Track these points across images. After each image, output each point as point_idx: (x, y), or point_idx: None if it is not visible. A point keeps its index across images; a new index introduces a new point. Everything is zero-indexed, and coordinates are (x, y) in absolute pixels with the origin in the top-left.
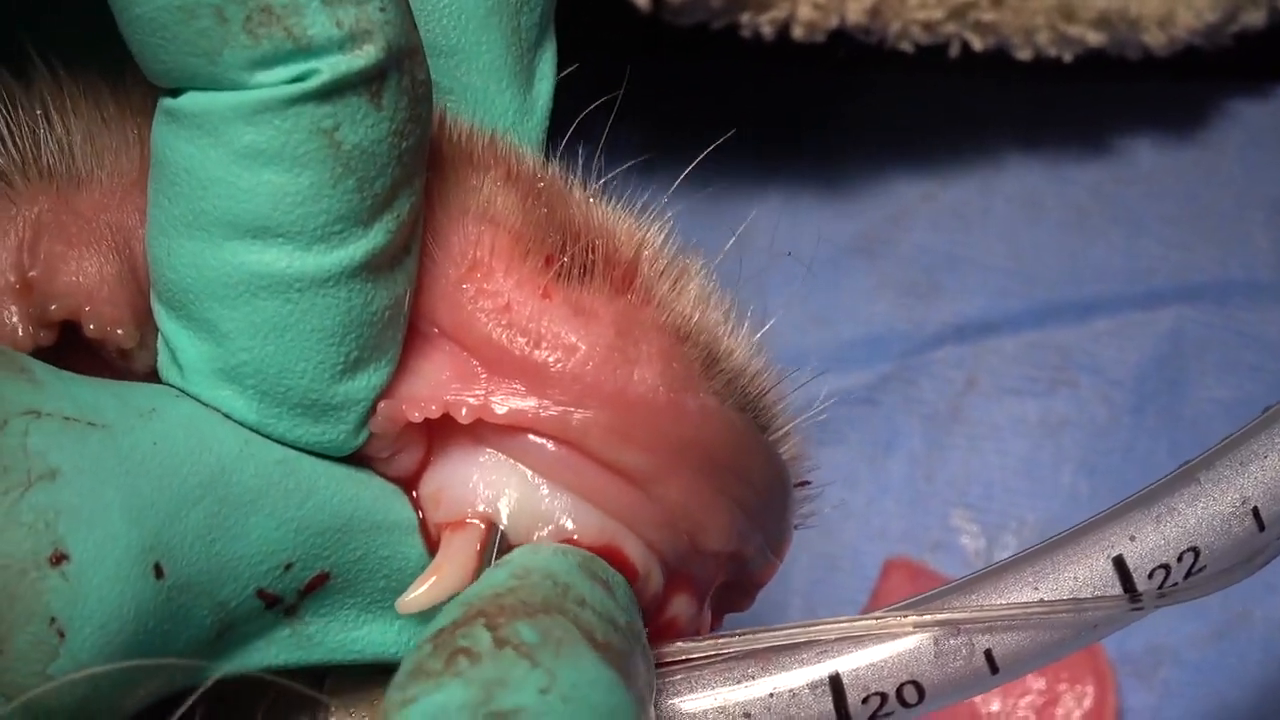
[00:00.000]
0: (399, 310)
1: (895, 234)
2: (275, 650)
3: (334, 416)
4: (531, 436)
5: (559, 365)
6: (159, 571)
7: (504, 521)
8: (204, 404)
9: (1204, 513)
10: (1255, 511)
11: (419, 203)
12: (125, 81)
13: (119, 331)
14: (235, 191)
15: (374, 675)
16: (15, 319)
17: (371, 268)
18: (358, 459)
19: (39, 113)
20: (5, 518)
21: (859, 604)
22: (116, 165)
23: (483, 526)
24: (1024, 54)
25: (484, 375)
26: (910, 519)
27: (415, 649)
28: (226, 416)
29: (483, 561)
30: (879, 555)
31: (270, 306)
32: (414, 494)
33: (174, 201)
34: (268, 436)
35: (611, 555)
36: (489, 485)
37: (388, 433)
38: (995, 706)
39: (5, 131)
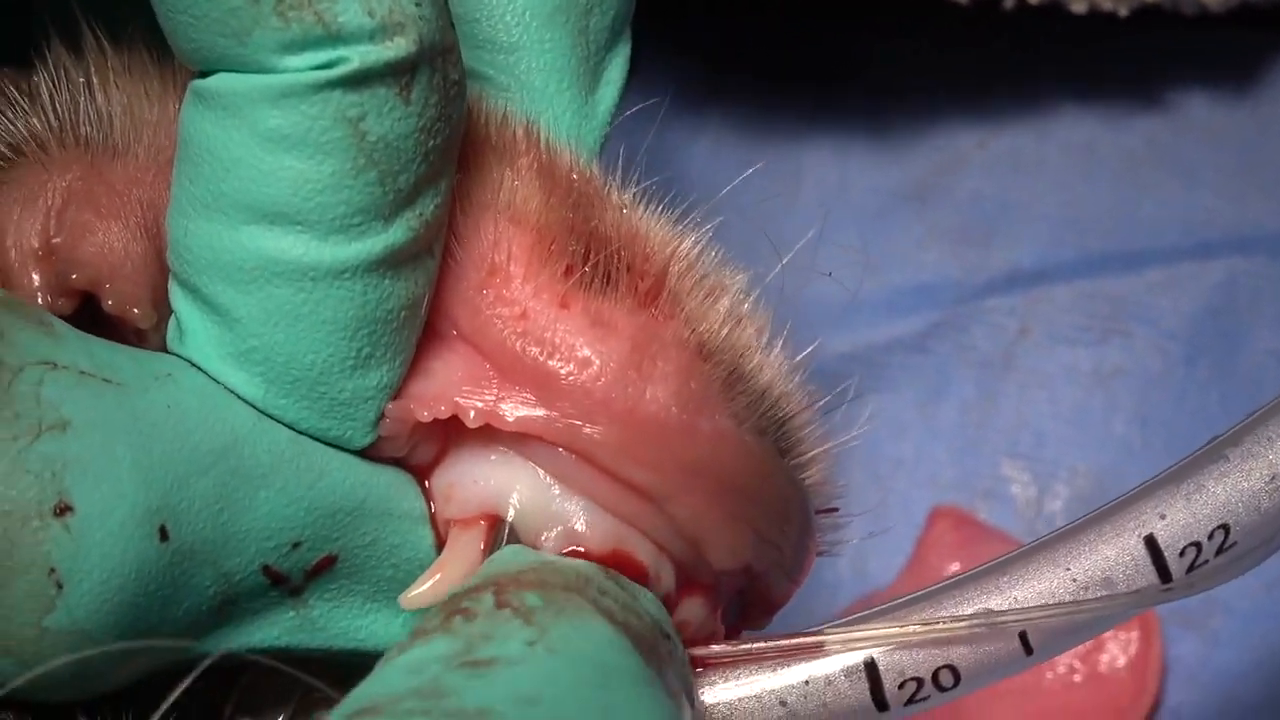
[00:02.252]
0: (416, 311)
1: (948, 182)
2: (277, 631)
3: (341, 413)
4: (542, 442)
5: (571, 378)
6: (164, 534)
7: (512, 519)
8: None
9: (1233, 489)
10: None
11: (444, 204)
12: (172, 58)
13: (136, 310)
14: (256, 175)
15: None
16: (36, 284)
17: (390, 264)
18: (376, 451)
19: (82, 81)
20: (12, 464)
21: (906, 553)
22: (154, 140)
23: (489, 525)
24: (1078, 7)
25: (496, 380)
26: (961, 467)
27: (428, 613)
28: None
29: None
30: (929, 503)
31: (283, 294)
32: (426, 485)
33: (195, 182)
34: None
35: (620, 559)
36: (500, 483)
37: (398, 434)
38: None
39: (47, 98)
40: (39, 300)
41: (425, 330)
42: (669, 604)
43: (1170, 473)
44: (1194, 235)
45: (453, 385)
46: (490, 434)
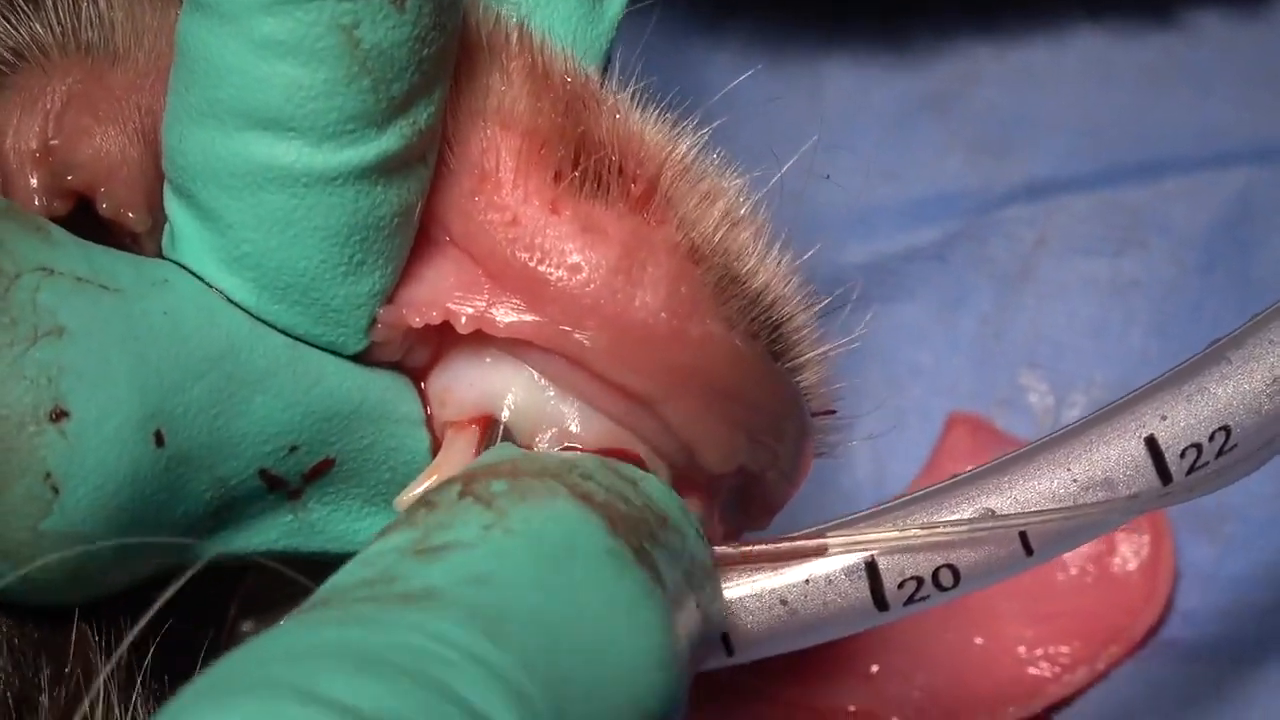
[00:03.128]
0: (408, 219)
1: (965, 92)
2: (275, 534)
3: (334, 319)
4: (535, 346)
5: (560, 283)
6: (159, 439)
7: (505, 420)
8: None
9: (1234, 391)
10: None
11: (438, 112)
12: None
13: (131, 214)
14: (250, 81)
15: None
16: (34, 184)
17: (382, 172)
18: (371, 355)
19: None
20: (8, 370)
21: (922, 460)
22: (155, 46)
23: (483, 427)
24: None
25: (488, 286)
26: (979, 376)
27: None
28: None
29: None
30: (946, 411)
31: (276, 200)
32: (422, 387)
33: (190, 88)
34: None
35: (618, 455)
36: (495, 386)
37: (390, 339)
38: None
39: (50, 4)
40: (35, 202)
41: (419, 236)
42: None
43: (1172, 374)
44: (1210, 146)
45: (444, 291)
46: (483, 338)
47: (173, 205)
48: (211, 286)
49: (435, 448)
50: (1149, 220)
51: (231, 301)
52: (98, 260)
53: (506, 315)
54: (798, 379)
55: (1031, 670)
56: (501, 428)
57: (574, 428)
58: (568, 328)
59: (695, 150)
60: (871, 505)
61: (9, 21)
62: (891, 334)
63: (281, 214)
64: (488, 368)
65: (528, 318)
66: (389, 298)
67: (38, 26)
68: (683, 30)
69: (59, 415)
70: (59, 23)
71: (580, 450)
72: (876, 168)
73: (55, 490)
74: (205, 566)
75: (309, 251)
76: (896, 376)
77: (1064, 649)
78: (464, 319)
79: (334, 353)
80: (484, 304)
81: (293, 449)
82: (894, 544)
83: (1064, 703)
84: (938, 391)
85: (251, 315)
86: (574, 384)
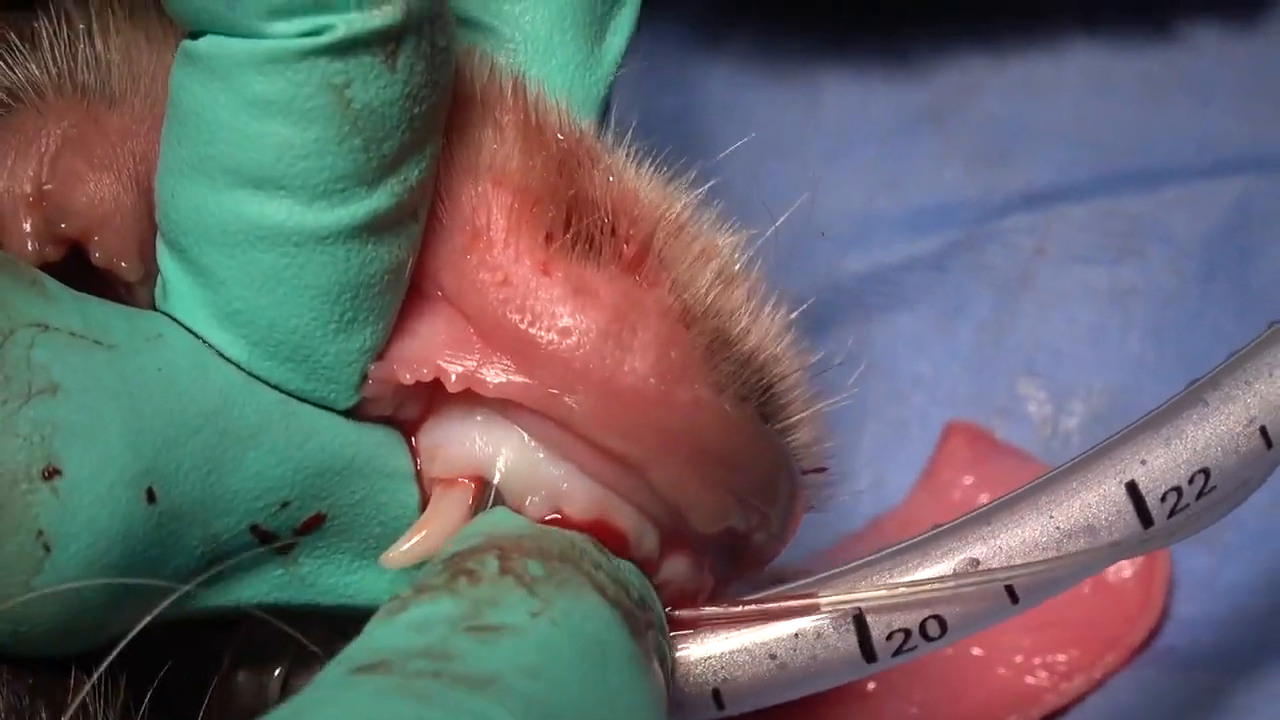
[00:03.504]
0: (399, 275)
1: (964, 103)
2: (266, 588)
3: (325, 375)
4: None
5: (550, 347)
6: (151, 496)
7: (496, 482)
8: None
9: (1212, 433)
10: (1263, 430)
11: (429, 169)
12: None
13: (124, 264)
14: (241, 139)
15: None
16: (27, 229)
17: (373, 230)
18: (362, 410)
19: (82, 28)
20: (1, 428)
21: (920, 468)
22: (151, 90)
23: (474, 487)
24: None
25: (479, 345)
26: (977, 385)
27: (427, 569)
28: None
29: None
30: (945, 420)
31: (267, 259)
32: (413, 442)
33: (182, 143)
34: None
35: (601, 529)
36: (486, 446)
37: (381, 395)
38: None
39: (47, 45)
40: (29, 247)
41: (411, 291)
42: (652, 565)
43: (1150, 418)
44: (1209, 154)
45: (436, 348)
46: (475, 396)
47: (165, 258)
48: (204, 341)
49: (424, 502)
50: (1148, 229)
51: (224, 357)
52: (92, 315)
53: (496, 376)
54: (789, 439)
55: (1029, 679)
56: (494, 490)
57: (563, 489)
58: (556, 391)
59: (690, 208)
60: (868, 519)
61: (5, 62)
62: (890, 343)
63: (272, 272)
64: (479, 426)
65: (517, 379)
66: (380, 354)
67: (34, 67)
68: (682, 43)
69: (51, 473)
70: (55, 64)
71: (567, 517)
72: (876, 178)
73: (47, 548)
74: (200, 617)
75: (300, 309)
76: (895, 386)
77: (1061, 657)
78: (454, 377)
79: (325, 408)
80: (474, 363)
81: (284, 504)
82: (882, 602)
83: (1061, 711)
84: (937, 400)
85: (244, 371)
86: (563, 447)
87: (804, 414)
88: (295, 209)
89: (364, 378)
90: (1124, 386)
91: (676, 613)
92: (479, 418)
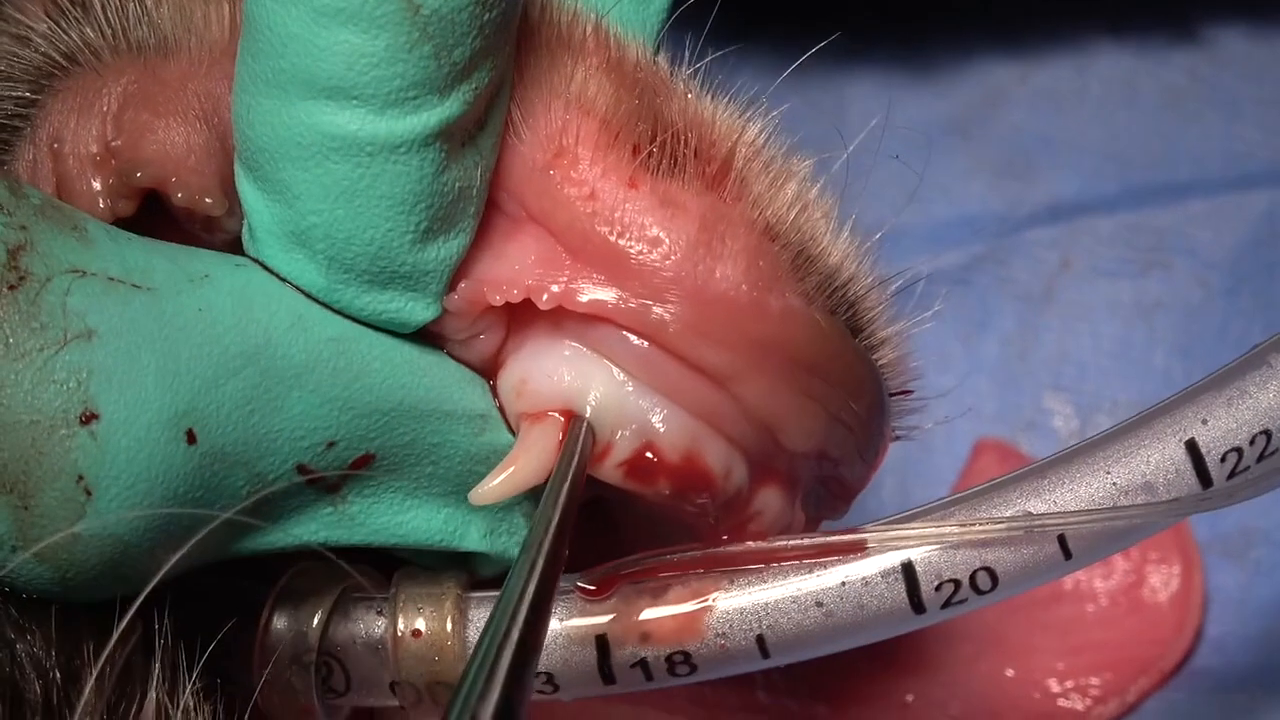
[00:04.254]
0: (473, 184)
1: (989, 115)
2: (316, 527)
3: (402, 286)
4: (613, 328)
5: (641, 257)
6: (191, 437)
7: (589, 416)
8: (272, 273)
9: (1275, 395)
10: None
11: (500, 78)
12: None
13: (207, 200)
14: (312, 49)
15: (442, 573)
16: (97, 188)
17: (445, 137)
18: (433, 342)
19: None
20: (38, 375)
21: (949, 483)
22: (206, 32)
23: (563, 420)
24: None
25: (569, 263)
26: (1003, 399)
27: None
28: (295, 287)
29: (562, 455)
30: (971, 434)
31: (341, 169)
32: (491, 383)
33: (256, 58)
34: (336, 308)
35: (690, 467)
36: (576, 378)
37: (466, 314)
38: (1080, 585)
39: (98, 6)
40: (100, 204)
41: (495, 212)
42: (743, 499)
43: (1213, 378)
44: (1235, 167)
45: (526, 269)
46: (557, 325)
47: (243, 183)
48: (277, 267)
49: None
50: (1173, 242)
51: (296, 285)
52: (133, 258)
53: (588, 291)
54: (875, 356)
55: (1062, 703)
56: (585, 424)
57: (655, 423)
58: (649, 301)
59: (765, 134)
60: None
61: (60, 26)
62: (915, 356)
63: (348, 183)
64: (566, 360)
65: (609, 293)
66: (468, 273)
67: (88, 30)
68: (704, 52)
69: (89, 418)
70: (109, 24)
71: (657, 454)
72: (899, 191)
73: (88, 492)
74: (242, 562)
75: (376, 220)
76: (920, 399)
77: (1095, 681)
78: (545, 296)
79: (400, 331)
80: (565, 280)
81: (331, 444)
82: (931, 540)
83: None
84: (962, 414)
85: (315, 293)
86: (653, 372)
87: (889, 331)
88: (368, 118)
89: (443, 290)
90: (1150, 400)
91: (723, 548)
92: (566, 352)
